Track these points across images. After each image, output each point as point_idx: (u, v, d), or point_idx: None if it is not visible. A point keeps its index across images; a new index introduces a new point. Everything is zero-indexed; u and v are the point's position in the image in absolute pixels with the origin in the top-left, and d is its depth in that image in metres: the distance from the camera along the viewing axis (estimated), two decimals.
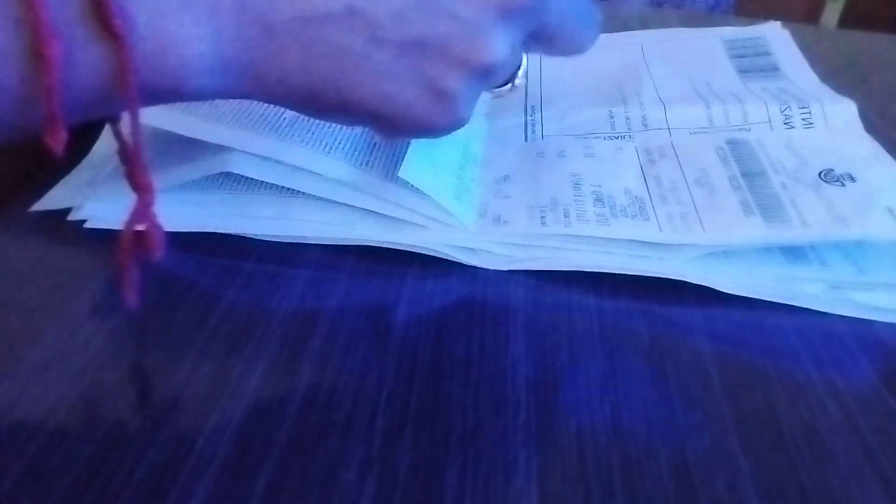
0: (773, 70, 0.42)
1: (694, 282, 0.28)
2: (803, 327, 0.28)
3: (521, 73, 0.30)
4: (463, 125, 0.26)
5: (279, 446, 0.22)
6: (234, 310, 0.27)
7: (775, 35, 0.46)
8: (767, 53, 0.44)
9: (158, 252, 0.23)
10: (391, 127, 0.26)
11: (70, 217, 0.30)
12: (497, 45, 0.25)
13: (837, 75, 0.52)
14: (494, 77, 0.26)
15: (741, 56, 0.44)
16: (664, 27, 0.50)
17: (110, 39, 0.20)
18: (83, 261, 0.29)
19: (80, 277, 0.28)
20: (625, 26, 0.52)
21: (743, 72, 0.42)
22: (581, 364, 0.25)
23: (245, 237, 0.30)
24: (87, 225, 0.30)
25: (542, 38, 0.28)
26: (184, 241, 0.29)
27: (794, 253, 0.30)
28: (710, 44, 0.46)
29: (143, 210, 0.23)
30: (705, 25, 0.50)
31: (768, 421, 0.24)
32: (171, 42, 0.21)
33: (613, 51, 0.43)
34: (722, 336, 0.27)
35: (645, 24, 0.59)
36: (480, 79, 0.25)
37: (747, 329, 0.27)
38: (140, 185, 0.23)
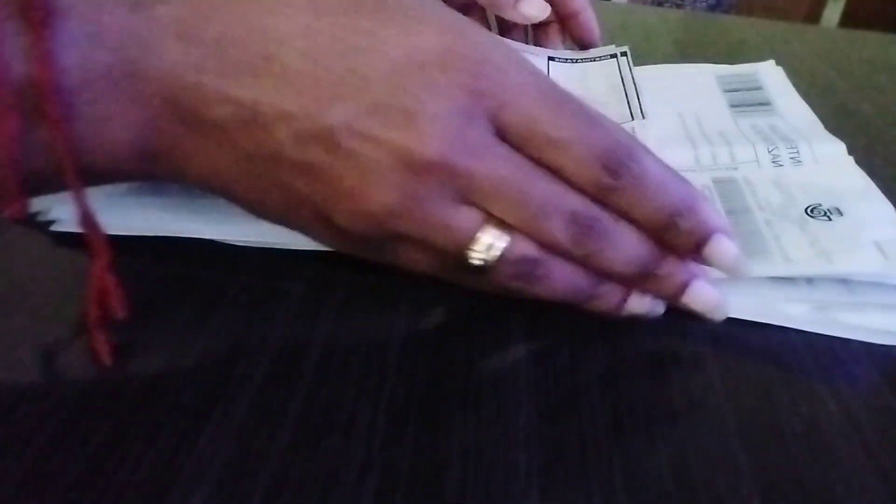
0: (764, 104, 0.43)
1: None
2: None
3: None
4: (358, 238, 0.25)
5: (279, 446, 0.22)
6: (234, 310, 0.27)
7: (768, 72, 0.46)
8: (759, 88, 0.45)
9: (122, 312, 0.24)
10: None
11: (40, 219, 0.30)
12: (382, 188, 0.23)
13: (837, 75, 0.52)
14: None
15: (733, 90, 0.44)
16: (664, 27, 0.50)
17: (52, 123, 0.22)
18: (83, 262, 0.29)
19: (81, 279, 0.28)
20: (623, 28, 0.52)
21: (735, 106, 0.42)
22: (582, 364, 0.25)
23: (242, 248, 0.30)
24: (52, 228, 0.30)
25: None
26: (184, 244, 0.29)
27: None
28: (703, 78, 0.46)
29: (101, 274, 0.24)
30: (706, 25, 0.50)
31: (769, 420, 0.24)
32: (104, 128, 0.23)
33: (600, 79, 0.43)
34: (722, 335, 0.27)
35: (645, 24, 0.59)
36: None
37: (748, 327, 0.27)
38: (95, 250, 0.24)
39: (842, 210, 0.32)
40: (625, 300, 0.27)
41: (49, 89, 0.21)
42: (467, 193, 0.24)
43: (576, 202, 0.25)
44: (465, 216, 0.24)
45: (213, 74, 0.23)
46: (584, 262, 0.25)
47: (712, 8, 1.53)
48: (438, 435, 0.22)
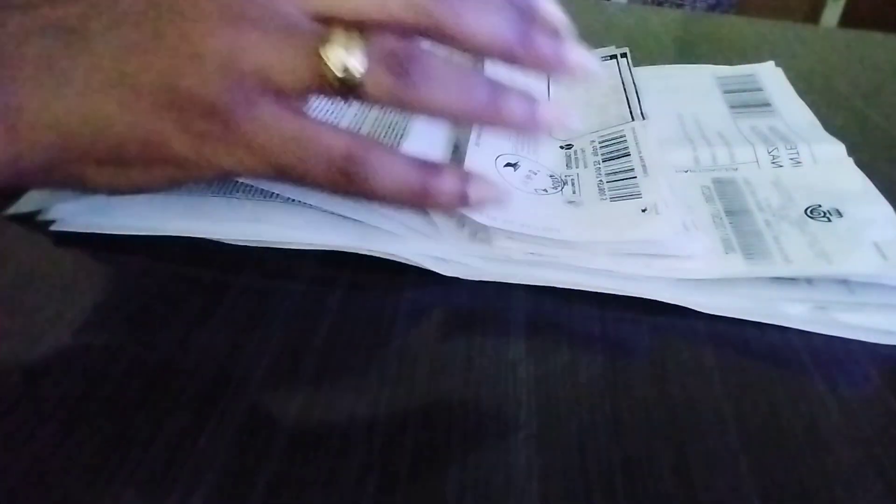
0: (764, 106, 0.43)
1: (670, 302, 0.28)
2: None
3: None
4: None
5: (280, 446, 0.22)
6: (234, 311, 0.27)
7: (767, 73, 0.46)
8: (759, 89, 0.44)
9: None
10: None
11: (39, 219, 0.30)
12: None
13: (837, 75, 0.52)
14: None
15: (733, 91, 0.44)
16: (664, 27, 0.50)
17: None
18: (83, 262, 0.29)
19: (81, 278, 0.28)
20: (623, 28, 0.52)
21: (734, 107, 0.42)
22: (582, 363, 0.25)
23: (243, 247, 0.30)
24: (53, 228, 0.30)
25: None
26: (184, 244, 0.29)
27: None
28: (702, 79, 0.46)
29: None
30: (705, 25, 0.50)
31: (769, 420, 0.24)
32: None
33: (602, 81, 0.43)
34: (722, 335, 0.27)
35: (645, 24, 0.59)
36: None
37: (748, 327, 0.27)
38: None
39: (841, 211, 0.32)
40: (533, 107, 0.25)
41: None
42: (295, 6, 0.23)
43: None
44: (305, 25, 0.23)
45: None
46: (453, 40, 0.24)
47: (712, 8, 1.53)
48: (438, 435, 0.22)
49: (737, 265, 0.29)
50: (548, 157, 0.36)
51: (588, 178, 0.34)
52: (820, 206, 0.32)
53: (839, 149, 0.37)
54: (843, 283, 0.29)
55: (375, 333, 0.26)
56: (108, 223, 0.30)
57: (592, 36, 0.44)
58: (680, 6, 1.53)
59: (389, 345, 0.26)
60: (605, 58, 0.45)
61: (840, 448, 0.23)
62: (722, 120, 0.41)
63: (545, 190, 0.33)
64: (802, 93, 0.44)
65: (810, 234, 0.30)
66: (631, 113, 0.38)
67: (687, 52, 0.56)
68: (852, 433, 0.23)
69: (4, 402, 0.22)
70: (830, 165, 0.36)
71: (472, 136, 0.34)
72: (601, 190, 0.32)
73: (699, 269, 0.29)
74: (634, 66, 0.44)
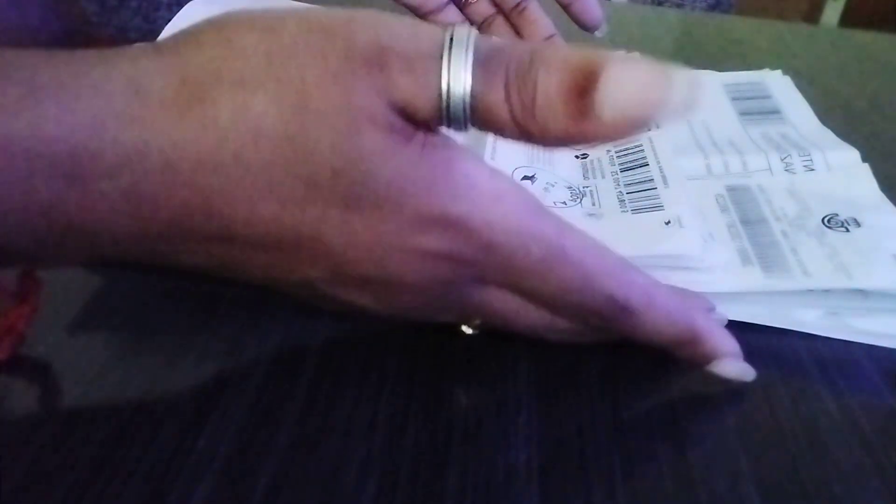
0: (774, 113, 0.42)
1: None
2: None
3: None
4: None
5: (279, 446, 0.22)
6: (234, 310, 0.27)
7: (775, 81, 0.45)
8: (768, 97, 0.44)
9: (2, 355, 0.24)
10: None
11: None
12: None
13: (837, 75, 0.52)
14: None
15: (741, 99, 0.43)
16: (664, 27, 0.50)
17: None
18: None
19: (81, 278, 0.28)
20: (623, 28, 0.52)
21: (744, 114, 0.42)
22: (582, 364, 0.25)
23: None
24: None
25: None
26: None
27: None
28: (709, 86, 0.45)
29: (16, 319, 0.23)
30: (705, 25, 0.49)
31: (769, 420, 0.24)
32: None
33: None
34: None
35: (645, 24, 0.59)
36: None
37: (748, 328, 0.27)
38: (25, 295, 0.23)
39: (859, 220, 0.31)
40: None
41: None
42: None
43: None
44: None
45: None
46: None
47: (712, 7, 1.53)
48: (438, 435, 0.22)
49: (755, 278, 0.29)
50: (564, 167, 0.35)
51: (607, 189, 0.33)
52: (837, 214, 0.32)
53: (853, 155, 0.36)
54: (858, 288, 0.28)
55: (375, 334, 0.26)
56: None
57: (592, 36, 0.45)
58: (680, 6, 1.53)
59: (389, 345, 0.26)
60: None
61: (840, 448, 0.23)
62: (732, 127, 0.40)
63: (564, 202, 0.33)
64: (801, 92, 0.44)
65: (829, 246, 0.30)
66: None
67: (687, 51, 0.56)
68: (852, 433, 0.23)
69: (5, 402, 0.22)
70: (845, 172, 0.35)
71: (488, 150, 0.34)
72: (622, 202, 0.32)
73: (718, 282, 0.28)
74: None
